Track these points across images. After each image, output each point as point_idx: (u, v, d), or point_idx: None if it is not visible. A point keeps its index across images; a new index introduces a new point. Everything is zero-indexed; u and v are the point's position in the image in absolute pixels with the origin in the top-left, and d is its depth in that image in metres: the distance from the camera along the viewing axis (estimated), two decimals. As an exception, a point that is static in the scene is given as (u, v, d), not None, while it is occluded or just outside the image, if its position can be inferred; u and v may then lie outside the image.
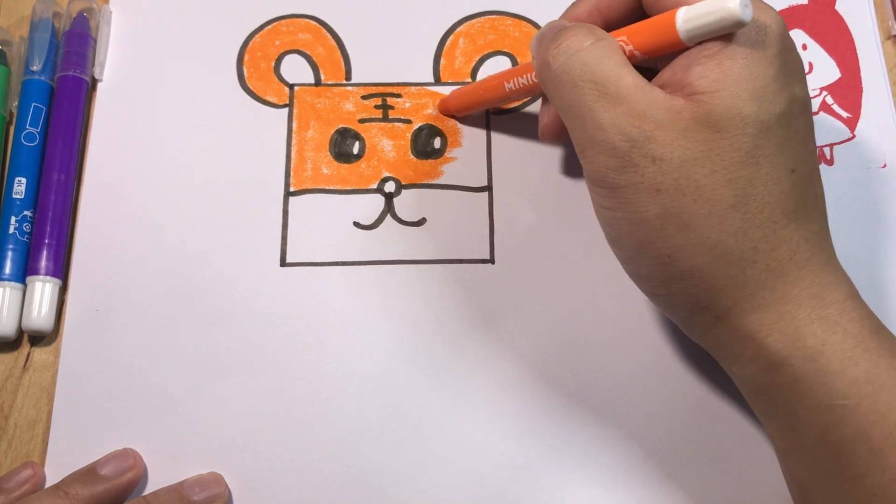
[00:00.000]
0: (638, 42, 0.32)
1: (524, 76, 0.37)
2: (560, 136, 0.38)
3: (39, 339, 0.39)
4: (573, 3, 0.36)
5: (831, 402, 0.30)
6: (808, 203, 0.32)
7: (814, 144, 0.33)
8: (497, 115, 0.43)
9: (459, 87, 0.43)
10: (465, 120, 0.43)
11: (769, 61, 0.30)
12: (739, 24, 0.29)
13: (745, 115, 0.30)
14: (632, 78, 0.31)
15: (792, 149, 0.31)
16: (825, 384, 0.30)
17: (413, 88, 0.43)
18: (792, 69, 0.31)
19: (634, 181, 0.30)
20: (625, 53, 0.32)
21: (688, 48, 0.31)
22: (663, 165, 0.30)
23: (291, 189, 0.41)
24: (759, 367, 0.31)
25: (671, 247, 0.31)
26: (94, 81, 0.43)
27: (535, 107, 0.43)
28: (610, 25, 0.35)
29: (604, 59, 0.31)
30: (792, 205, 0.31)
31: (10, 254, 0.39)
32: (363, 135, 0.43)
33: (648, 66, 0.34)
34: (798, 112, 0.31)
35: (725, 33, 0.30)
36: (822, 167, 0.42)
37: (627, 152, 0.30)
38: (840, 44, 0.45)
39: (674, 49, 0.31)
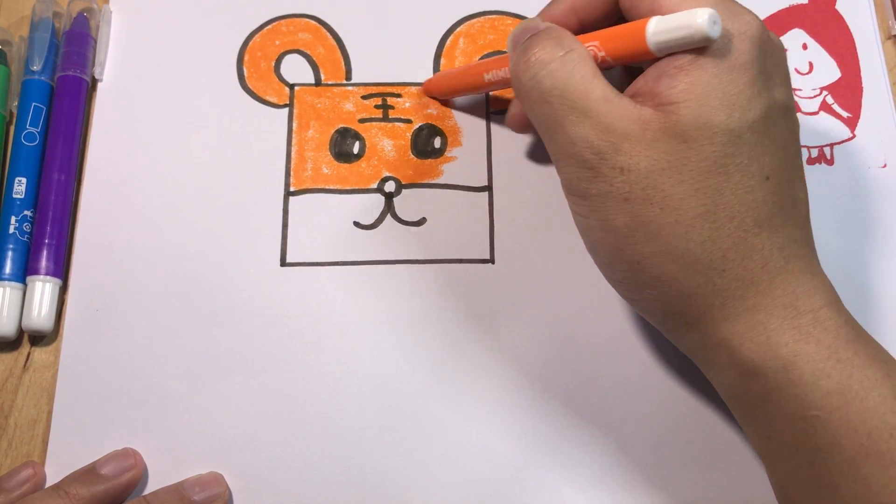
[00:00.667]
0: (609, 49, 0.32)
1: (503, 70, 0.37)
2: (525, 127, 0.40)
3: (39, 338, 0.39)
4: (550, 3, 0.36)
5: (804, 412, 0.30)
6: (784, 210, 0.31)
7: (796, 149, 0.33)
8: (498, 114, 0.43)
9: (443, 71, 0.43)
10: (466, 120, 0.43)
11: (743, 68, 0.30)
12: (707, 41, 0.29)
13: (713, 125, 0.30)
14: (601, 90, 0.31)
15: (768, 155, 0.31)
16: (798, 395, 0.30)
17: (413, 88, 0.43)
18: (772, 73, 0.31)
19: (604, 191, 0.31)
20: (596, 59, 0.32)
21: (659, 58, 0.31)
22: (630, 176, 0.30)
23: (291, 189, 0.41)
24: (734, 375, 0.32)
25: (640, 254, 0.31)
26: (94, 81, 0.43)
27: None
28: (585, 26, 0.35)
29: (573, 71, 0.31)
30: (765, 213, 0.31)
31: (10, 254, 0.39)
32: (363, 134, 0.43)
33: (635, 65, 0.34)
34: (778, 117, 0.31)
35: (693, 47, 0.30)
36: (822, 167, 0.42)
37: (597, 164, 0.31)
38: (840, 44, 0.45)
39: (644, 58, 0.31)
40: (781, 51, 0.33)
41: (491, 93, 0.43)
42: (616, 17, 0.34)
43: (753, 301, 0.31)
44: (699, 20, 0.29)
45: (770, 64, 0.31)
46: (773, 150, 0.31)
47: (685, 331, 0.33)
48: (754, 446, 0.33)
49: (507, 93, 0.43)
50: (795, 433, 0.30)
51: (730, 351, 0.31)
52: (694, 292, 0.31)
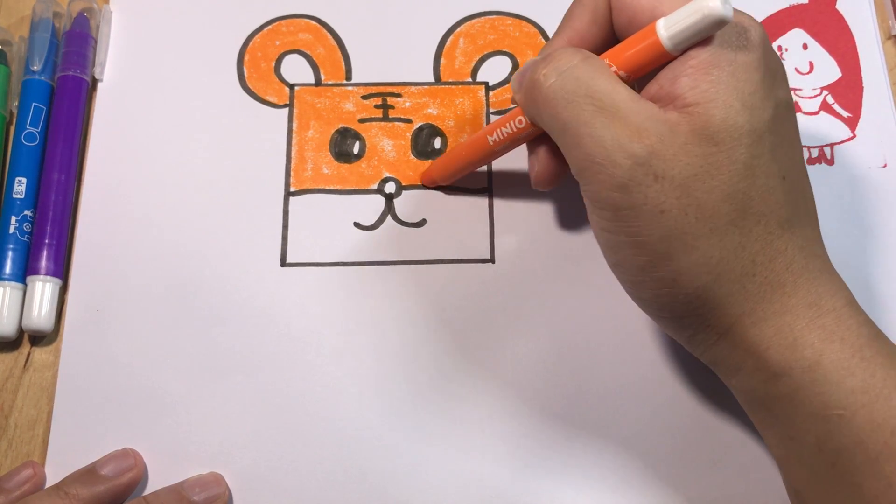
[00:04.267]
0: (621, 61, 0.31)
1: (507, 125, 0.36)
2: (555, 181, 0.36)
3: (39, 338, 0.39)
4: (546, 44, 0.35)
5: (828, 411, 0.29)
6: (799, 209, 0.31)
7: (801, 146, 0.33)
8: (497, 114, 0.43)
9: (438, 157, 0.41)
10: (465, 121, 0.43)
11: (754, 66, 0.30)
12: (722, 22, 0.29)
13: (738, 126, 0.29)
14: (626, 91, 0.30)
15: (782, 154, 0.31)
16: (822, 394, 0.30)
17: (413, 88, 0.43)
18: (775, 72, 0.31)
19: (638, 202, 0.29)
20: None
21: (673, 59, 0.30)
22: (665, 184, 0.29)
23: (292, 189, 0.41)
24: (759, 380, 0.31)
25: (675, 270, 0.30)
26: (95, 81, 0.43)
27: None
28: None
29: (596, 73, 0.30)
30: (785, 213, 0.30)
31: (10, 254, 0.39)
32: (363, 134, 0.43)
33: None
34: (784, 115, 0.31)
35: (709, 34, 0.29)
36: (823, 167, 0.42)
37: (630, 170, 0.29)
38: (840, 43, 0.45)
39: (660, 62, 0.31)
40: (775, 51, 0.32)
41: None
42: (611, 45, 0.33)
43: (780, 303, 0.30)
44: (710, 2, 0.28)
45: (773, 63, 0.31)
46: (785, 150, 0.31)
47: (713, 342, 0.32)
48: (773, 450, 0.33)
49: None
50: (818, 433, 0.30)
51: (756, 356, 0.31)
52: (727, 302, 0.30)
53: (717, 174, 0.29)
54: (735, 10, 0.30)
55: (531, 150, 0.37)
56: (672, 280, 0.30)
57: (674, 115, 0.29)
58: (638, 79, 0.32)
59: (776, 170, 0.30)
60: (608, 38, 0.34)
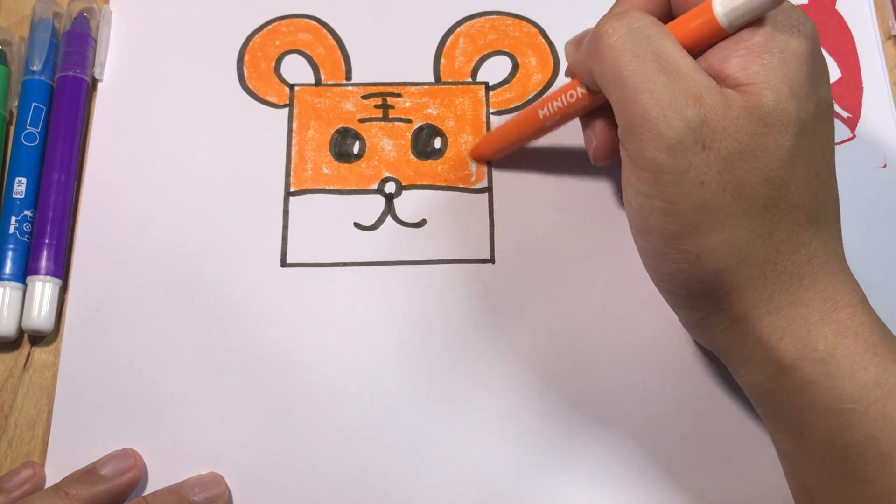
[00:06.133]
0: (677, 35, 0.31)
1: (559, 98, 0.36)
2: (615, 154, 0.36)
3: (40, 339, 0.39)
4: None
5: (840, 405, 0.29)
6: (826, 208, 0.31)
7: (834, 150, 0.33)
8: (497, 114, 0.43)
9: (490, 132, 0.41)
10: (465, 121, 0.43)
11: (804, 58, 0.30)
12: (777, 0, 0.29)
13: (788, 112, 0.29)
14: (690, 59, 0.30)
15: (819, 151, 0.31)
16: (834, 388, 0.30)
17: (413, 88, 0.43)
18: (821, 70, 0.31)
19: (681, 168, 0.29)
20: None
21: (726, 37, 0.30)
22: (710, 155, 0.29)
23: (292, 189, 0.42)
24: (769, 371, 0.31)
25: (702, 245, 0.30)
26: (95, 81, 0.43)
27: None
28: None
29: (665, 36, 0.31)
30: (814, 208, 0.31)
31: (10, 254, 0.39)
32: (363, 134, 0.43)
33: None
34: (824, 115, 0.31)
35: (764, 12, 0.29)
36: (823, 167, 0.42)
37: (681, 132, 0.29)
38: (840, 44, 0.45)
39: (713, 39, 0.31)
40: (821, 49, 0.33)
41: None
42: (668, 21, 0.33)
43: (797, 295, 0.30)
44: None
45: (820, 60, 0.31)
46: (822, 147, 0.31)
47: (725, 327, 0.32)
48: (782, 446, 0.33)
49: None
50: (830, 428, 0.30)
51: (768, 347, 0.31)
52: (745, 287, 0.31)
53: (761, 156, 0.29)
54: (790, 3, 0.31)
55: (586, 125, 0.37)
56: (696, 255, 0.30)
57: (730, 91, 0.30)
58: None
59: (813, 165, 0.30)
60: (664, 15, 0.34)
